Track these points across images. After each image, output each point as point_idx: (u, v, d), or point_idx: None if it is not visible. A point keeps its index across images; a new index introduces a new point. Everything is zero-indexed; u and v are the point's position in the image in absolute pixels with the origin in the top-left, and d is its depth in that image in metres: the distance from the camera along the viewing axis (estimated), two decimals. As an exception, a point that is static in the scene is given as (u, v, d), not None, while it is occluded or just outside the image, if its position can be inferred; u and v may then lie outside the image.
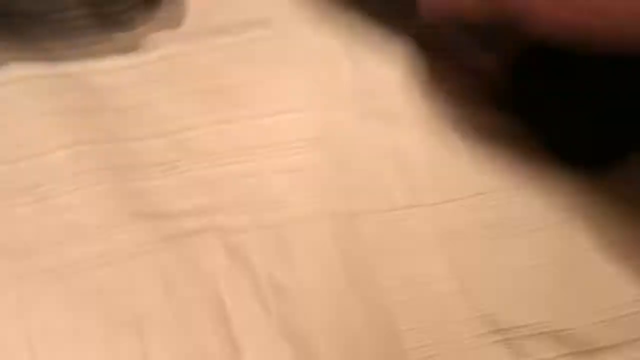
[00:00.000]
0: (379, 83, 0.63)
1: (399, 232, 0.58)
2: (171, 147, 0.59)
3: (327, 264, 0.56)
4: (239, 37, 0.64)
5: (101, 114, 0.59)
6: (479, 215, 0.59)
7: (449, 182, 0.60)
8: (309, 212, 0.58)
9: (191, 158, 0.59)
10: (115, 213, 0.56)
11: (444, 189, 0.59)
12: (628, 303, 0.56)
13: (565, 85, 0.57)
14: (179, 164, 0.59)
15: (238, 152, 0.60)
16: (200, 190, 0.58)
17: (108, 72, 0.61)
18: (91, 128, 0.58)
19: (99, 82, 0.60)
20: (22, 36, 0.61)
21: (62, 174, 0.56)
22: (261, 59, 0.64)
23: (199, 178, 0.58)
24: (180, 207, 0.57)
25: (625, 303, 0.56)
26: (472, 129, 0.60)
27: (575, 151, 0.60)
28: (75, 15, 0.62)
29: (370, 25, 0.64)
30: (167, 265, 0.54)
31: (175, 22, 0.64)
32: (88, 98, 0.60)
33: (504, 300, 0.56)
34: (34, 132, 0.57)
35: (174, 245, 0.55)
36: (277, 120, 0.62)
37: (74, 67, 0.60)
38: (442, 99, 0.61)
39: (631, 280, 0.56)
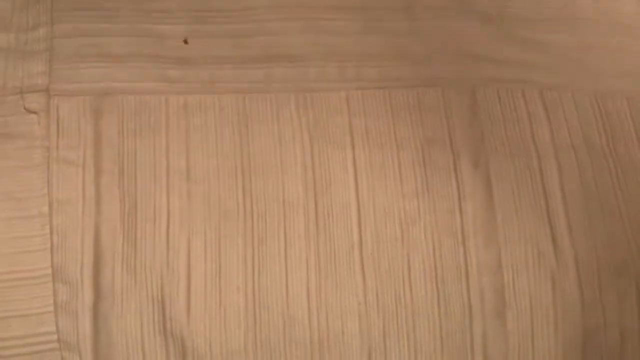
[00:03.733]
0: None
1: None
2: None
3: None
4: None
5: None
6: None
7: None
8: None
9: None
10: (439, 48, 0.55)
11: None
12: None
13: None
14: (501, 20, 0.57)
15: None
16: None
17: None
18: None
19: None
20: None
21: (394, 4, 0.56)
22: None
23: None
24: (500, 56, 0.55)
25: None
26: None
27: None
28: None
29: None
30: (481, 98, 0.53)
31: None
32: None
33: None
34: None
35: (490, 87, 0.54)
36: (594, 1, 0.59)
37: None
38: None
39: None
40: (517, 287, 0.48)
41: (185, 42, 0.53)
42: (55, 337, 0.46)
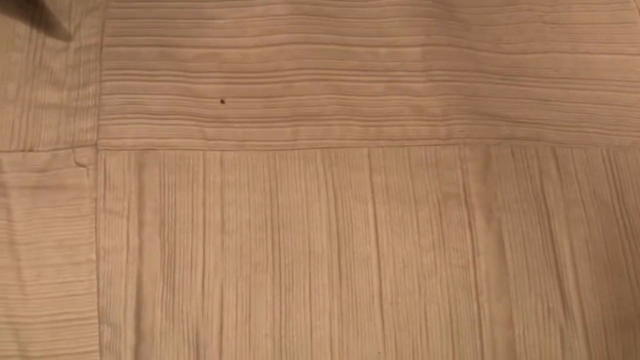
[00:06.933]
0: None
1: None
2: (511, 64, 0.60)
3: None
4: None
5: (449, 22, 0.62)
6: None
7: None
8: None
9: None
10: (456, 107, 0.57)
11: None
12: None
13: None
14: (516, 79, 0.59)
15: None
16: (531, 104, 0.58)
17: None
18: (441, 33, 0.61)
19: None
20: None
21: (415, 66, 0.59)
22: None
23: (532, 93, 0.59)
24: (514, 114, 0.57)
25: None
26: None
27: None
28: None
29: None
30: (495, 156, 0.55)
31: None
32: (439, 7, 0.62)
33: None
34: (399, 29, 0.61)
35: (504, 145, 0.56)
36: (609, 59, 0.61)
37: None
38: None
39: None
40: (528, 341, 0.50)
41: (222, 101, 0.57)
42: (100, 374, 0.49)
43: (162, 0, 0.61)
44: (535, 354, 0.50)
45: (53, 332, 0.49)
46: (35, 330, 0.49)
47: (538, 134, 0.56)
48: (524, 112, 0.57)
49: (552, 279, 0.51)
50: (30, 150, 0.54)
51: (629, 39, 0.61)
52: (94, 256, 0.51)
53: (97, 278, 0.50)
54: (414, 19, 0.61)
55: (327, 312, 0.50)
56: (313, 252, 0.51)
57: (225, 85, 0.57)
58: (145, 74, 0.57)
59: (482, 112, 0.57)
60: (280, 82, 0.57)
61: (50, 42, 0.59)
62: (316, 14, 0.61)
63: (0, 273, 0.50)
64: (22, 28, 0.59)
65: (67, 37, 0.59)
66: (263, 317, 0.50)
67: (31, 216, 0.52)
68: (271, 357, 0.49)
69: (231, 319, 0.50)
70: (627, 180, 0.55)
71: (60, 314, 0.50)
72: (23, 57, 0.57)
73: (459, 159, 0.55)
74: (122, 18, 0.60)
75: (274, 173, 0.54)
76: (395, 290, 0.51)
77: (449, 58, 0.59)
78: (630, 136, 0.57)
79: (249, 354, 0.49)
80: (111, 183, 0.53)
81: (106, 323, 0.49)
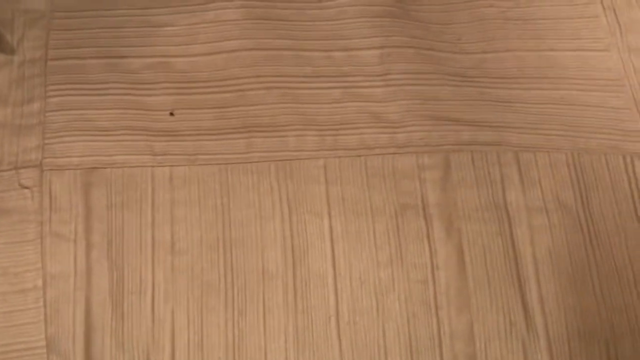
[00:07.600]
0: None
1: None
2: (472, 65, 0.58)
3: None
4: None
5: (408, 23, 0.59)
6: None
7: None
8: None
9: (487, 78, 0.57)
10: (415, 113, 0.55)
11: None
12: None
13: None
14: (478, 80, 0.57)
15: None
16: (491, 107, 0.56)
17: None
18: (400, 34, 0.58)
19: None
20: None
21: (372, 70, 0.57)
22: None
23: (493, 95, 0.56)
24: (475, 117, 0.55)
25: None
26: None
27: None
28: None
29: None
30: (455, 163, 0.53)
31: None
32: (398, 6, 0.60)
33: None
34: (355, 30, 0.58)
35: (464, 151, 0.54)
36: (573, 56, 0.58)
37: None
38: None
39: None
40: (489, 356, 0.48)
41: (172, 114, 0.54)
42: (49, 407, 0.47)
43: (108, 8, 0.58)
44: None
45: None
46: (-19, 362, 0.47)
47: (500, 138, 0.54)
48: (485, 115, 0.55)
49: (514, 291, 0.49)
50: None
51: (593, 34, 0.59)
52: (40, 282, 0.49)
53: (45, 305, 0.48)
54: (371, 20, 0.58)
55: (282, 333, 0.48)
56: (267, 271, 0.49)
57: (175, 96, 0.55)
58: (92, 88, 0.55)
59: (441, 116, 0.55)
60: (233, 92, 0.55)
61: (-7, 56, 0.56)
62: (269, 18, 0.58)
63: (-58, 305, 0.48)
64: (-38, 43, 0.56)
65: (11, 51, 0.57)
66: (216, 341, 0.48)
67: (-26, 243, 0.50)
68: None
69: (183, 344, 0.48)
70: (592, 185, 0.53)
71: (8, 344, 0.48)
72: None
73: (417, 168, 0.53)
74: (67, 29, 0.57)
75: (226, 188, 0.52)
76: (352, 308, 0.49)
77: (407, 60, 0.57)
78: (596, 138, 0.55)
79: (202, 380, 0.47)
80: (57, 205, 0.51)
81: (55, 353, 0.47)
